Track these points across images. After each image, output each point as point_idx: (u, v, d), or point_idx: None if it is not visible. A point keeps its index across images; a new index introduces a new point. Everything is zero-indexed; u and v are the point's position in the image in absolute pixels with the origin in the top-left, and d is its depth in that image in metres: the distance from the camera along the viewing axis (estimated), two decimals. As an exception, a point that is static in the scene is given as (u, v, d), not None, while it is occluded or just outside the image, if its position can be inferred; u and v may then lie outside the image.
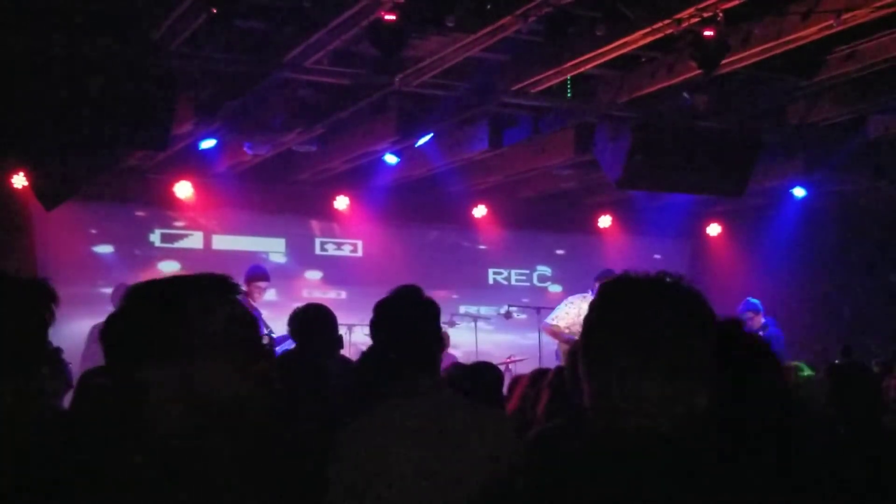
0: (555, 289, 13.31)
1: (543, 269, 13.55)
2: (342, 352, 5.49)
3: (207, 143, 9.70)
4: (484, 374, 4.75)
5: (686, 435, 1.67)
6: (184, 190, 11.11)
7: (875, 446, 2.63)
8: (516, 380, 5.31)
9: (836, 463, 2.67)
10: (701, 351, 1.73)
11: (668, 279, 1.80)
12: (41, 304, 2.23)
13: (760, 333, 10.02)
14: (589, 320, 1.79)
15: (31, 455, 1.69)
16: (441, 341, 3.22)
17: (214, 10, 6.20)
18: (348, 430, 3.02)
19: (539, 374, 4.93)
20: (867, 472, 2.63)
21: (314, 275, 12.29)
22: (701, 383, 1.71)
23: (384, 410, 3.04)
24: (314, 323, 5.12)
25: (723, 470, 1.71)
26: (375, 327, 3.19)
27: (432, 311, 3.17)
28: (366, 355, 4.05)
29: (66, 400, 5.19)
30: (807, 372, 5.61)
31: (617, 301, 1.79)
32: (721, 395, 1.74)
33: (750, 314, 10.26)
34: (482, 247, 13.17)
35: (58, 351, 6.92)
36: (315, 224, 12.35)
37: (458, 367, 5.78)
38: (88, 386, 4.06)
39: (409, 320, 3.11)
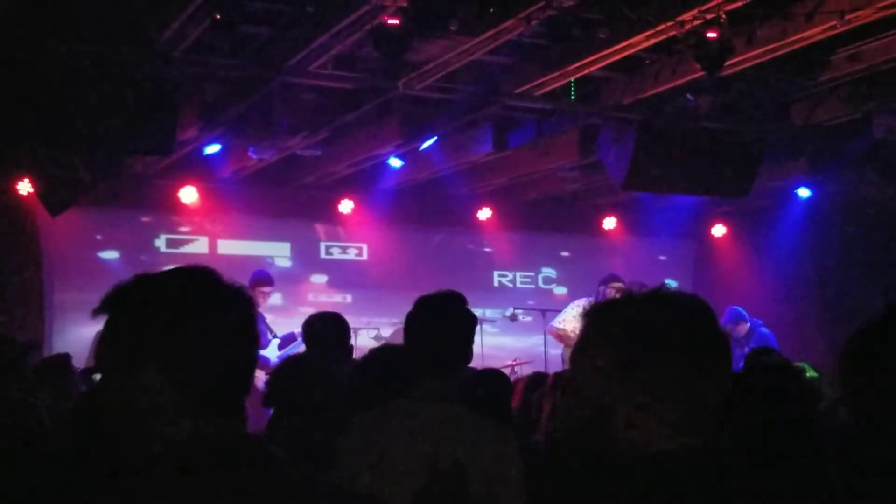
0: (560, 291, 13.30)
1: (548, 271, 13.55)
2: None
3: (212, 149, 9.71)
4: (492, 381, 4.75)
5: (714, 448, 1.66)
6: (189, 195, 11.12)
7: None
8: (515, 383, 5.32)
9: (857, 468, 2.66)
10: (719, 378, 1.70)
11: (668, 294, 1.76)
12: None
13: (748, 340, 10.00)
14: (580, 340, 1.76)
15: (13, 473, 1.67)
16: (469, 353, 3.22)
17: (218, 16, 6.21)
18: (353, 424, 3.06)
19: (538, 379, 4.94)
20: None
21: (319, 279, 12.29)
22: (716, 390, 1.68)
23: (384, 409, 3.07)
24: (324, 331, 5.15)
25: (717, 492, 1.68)
26: (406, 324, 3.21)
27: (463, 320, 3.17)
28: (372, 354, 4.07)
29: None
30: (811, 373, 5.60)
31: (609, 321, 1.75)
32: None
33: (730, 325, 10.22)
34: (487, 249, 13.17)
35: (66, 357, 6.97)
36: (320, 228, 12.35)
37: (467, 370, 5.78)
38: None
39: (433, 325, 3.12)
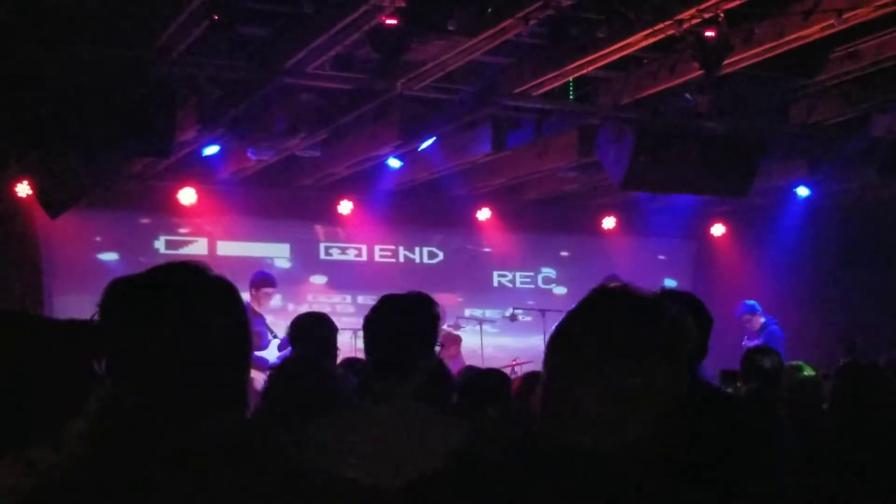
0: (559, 291, 13.31)
1: (548, 271, 13.55)
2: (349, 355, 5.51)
3: (211, 150, 9.71)
4: (492, 381, 4.74)
5: (626, 457, 1.66)
6: (188, 196, 11.12)
7: (877, 445, 2.64)
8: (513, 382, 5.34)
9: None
10: (659, 376, 1.70)
11: (651, 297, 1.77)
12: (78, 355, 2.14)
13: (760, 335, 10.07)
14: (554, 333, 1.78)
15: None
16: (428, 351, 3.20)
17: (216, 17, 6.21)
18: (311, 429, 3.06)
19: (532, 378, 4.95)
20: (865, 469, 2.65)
21: (319, 280, 12.30)
22: (653, 407, 1.69)
23: (342, 413, 3.06)
24: (308, 330, 5.15)
25: (662, 495, 1.69)
26: (367, 325, 3.19)
27: (426, 322, 3.15)
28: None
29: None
30: (807, 371, 5.60)
31: (583, 317, 1.77)
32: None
33: (747, 316, 10.28)
34: (486, 249, 13.17)
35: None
36: (319, 229, 12.36)
37: (470, 370, 5.79)
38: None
39: (390, 326, 3.10)
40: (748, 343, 9.72)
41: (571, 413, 1.68)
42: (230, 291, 1.73)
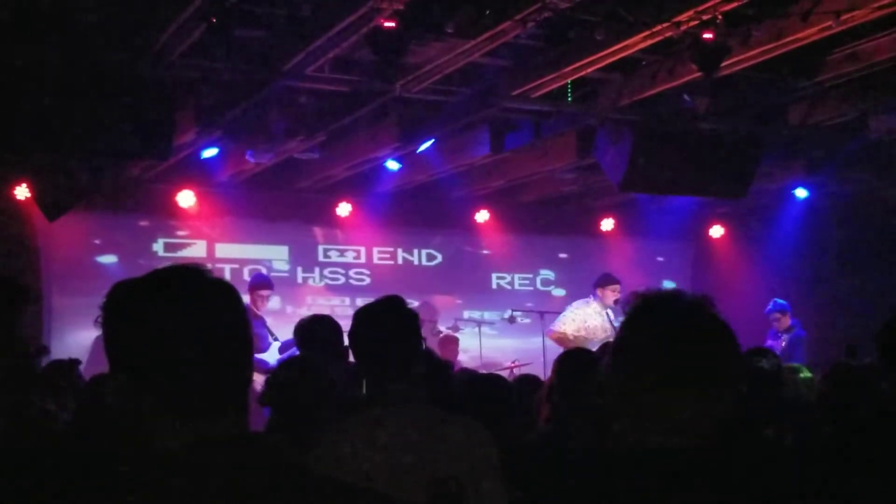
0: (558, 292, 13.30)
1: (547, 273, 13.54)
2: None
3: (209, 152, 9.71)
4: (491, 385, 4.74)
5: (712, 449, 1.73)
6: (186, 199, 11.12)
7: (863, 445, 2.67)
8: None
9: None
10: (725, 366, 1.80)
11: (687, 296, 1.86)
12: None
13: (785, 335, 10.19)
14: (617, 341, 1.87)
15: (26, 475, 1.68)
16: (419, 351, 3.21)
17: (214, 20, 6.21)
18: (317, 437, 3.03)
19: (527, 381, 4.94)
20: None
21: (317, 282, 12.29)
22: (726, 396, 1.78)
23: (353, 420, 3.04)
24: (317, 333, 5.15)
25: (749, 483, 1.74)
26: (351, 337, 3.19)
27: (408, 322, 3.16)
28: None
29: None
30: (805, 374, 5.62)
31: (643, 321, 1.83)
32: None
33: (777, 315, 10.37)
34: (485, 251, 13.17)
35: (75, 363, 6.95)
36: (318, 231, 12.35)
37: (465, 372, 5.79)
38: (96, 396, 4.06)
39: (383, 331, 3.11)
40: (772, 342, 9.85)
41: (644, 417, 1.75)
42: (231, 294, 1.74)
